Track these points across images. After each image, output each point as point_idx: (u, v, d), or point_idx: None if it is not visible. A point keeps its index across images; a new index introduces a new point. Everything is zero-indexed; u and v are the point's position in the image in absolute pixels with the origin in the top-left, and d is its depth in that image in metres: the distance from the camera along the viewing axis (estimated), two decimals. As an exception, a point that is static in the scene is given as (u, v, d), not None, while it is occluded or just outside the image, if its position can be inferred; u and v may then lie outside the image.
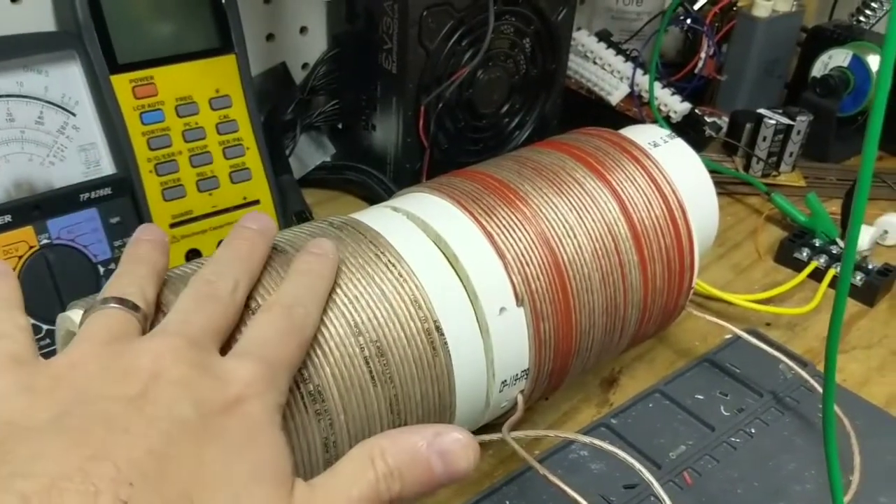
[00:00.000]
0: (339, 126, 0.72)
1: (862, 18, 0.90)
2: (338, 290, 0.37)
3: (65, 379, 0.28)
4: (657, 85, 0.77)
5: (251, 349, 0.32)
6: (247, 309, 0.35)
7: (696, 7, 0.83)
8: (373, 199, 0.68)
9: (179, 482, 0.25)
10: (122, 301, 0.32)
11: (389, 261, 0.39)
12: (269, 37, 0.69)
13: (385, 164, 0.68)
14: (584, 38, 0.80)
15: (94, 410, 0.26)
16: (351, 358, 0.36)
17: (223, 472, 0.26)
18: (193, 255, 0.54)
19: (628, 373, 0.54)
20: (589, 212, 0.45)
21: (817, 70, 0.82)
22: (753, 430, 0.49)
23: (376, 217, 0.43)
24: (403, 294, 0.38)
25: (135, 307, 0.32)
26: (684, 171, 0.51)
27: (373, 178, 0.68)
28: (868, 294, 0.62)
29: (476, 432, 0.43)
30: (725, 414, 0.51)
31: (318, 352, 0.35)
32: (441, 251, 0.41)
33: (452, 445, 0.29)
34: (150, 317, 0.33)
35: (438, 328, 0.39)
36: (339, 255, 0.38)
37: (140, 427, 0.26)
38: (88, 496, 0.23)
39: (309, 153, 0.71)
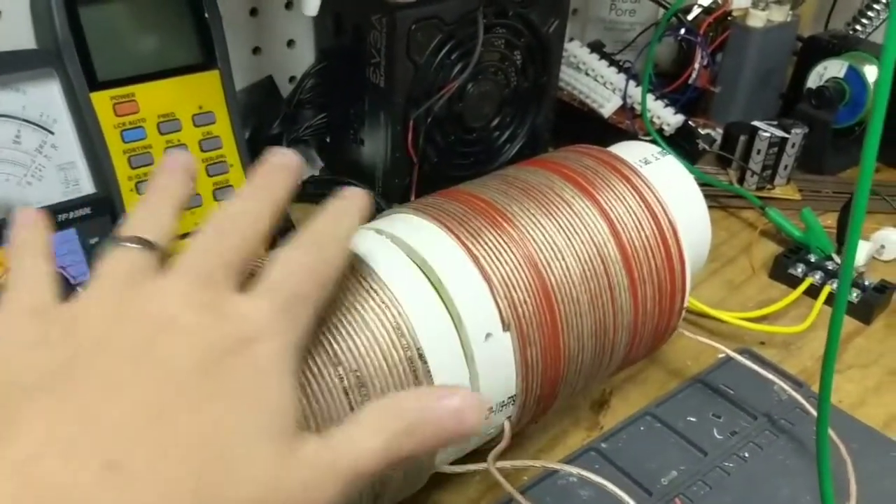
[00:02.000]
0: (327, 140, 0.71)
1: (858, 28, 0.89)
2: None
3: (73, 329, 0.27)
4: (650, 97, 0.76)
5: (270, 286, 0.30)
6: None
7: (690, 17, 0.82)
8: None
9: (174, 442, 0.24)
10: (138, 240, 0.31)
11: (371, 287, 0.38)
12: (256, 50, 0.68)
13: (374, 179, 0.67)
14: (576, 49, 0.79)
15: (96, 364, 0.26)
16: (330, 390, 0.35)
17: (224, 429, 0.26)
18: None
19: (619, 394, 0.53)
20: (577, 233, 0.44)
21: (812, 81, 0.81)
22: (747, 454, 0.48)
23: (359, 240, 0.41)
24: (385, 321, 0.37)
25: (151, 245, 0.31)
26: (676, 189, 0.50)
27: (361, 194, 0.67)
28: (864, 311, 0.61)
29: (462, 460, 0.43)
30: (718, 437, 0.50)
31: (296, 383, 0.34)
32: (426, 276, 0.40)
33: (464, 403, 0.29)
34: (168, 254, 0.32)
35: (422, 356, 0.38)
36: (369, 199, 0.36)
37: (139, 381, 0.25)
38: (72, 461, 0.23)
39: (297, 167, 0.70)
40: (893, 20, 0.33)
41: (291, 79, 0.71)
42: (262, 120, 0.66)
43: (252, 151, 0.56)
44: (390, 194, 0.66)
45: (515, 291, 0.41)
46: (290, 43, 0.70)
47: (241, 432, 0.26)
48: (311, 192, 0.69)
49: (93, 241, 0.50)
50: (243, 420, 0.26)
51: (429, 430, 0.29)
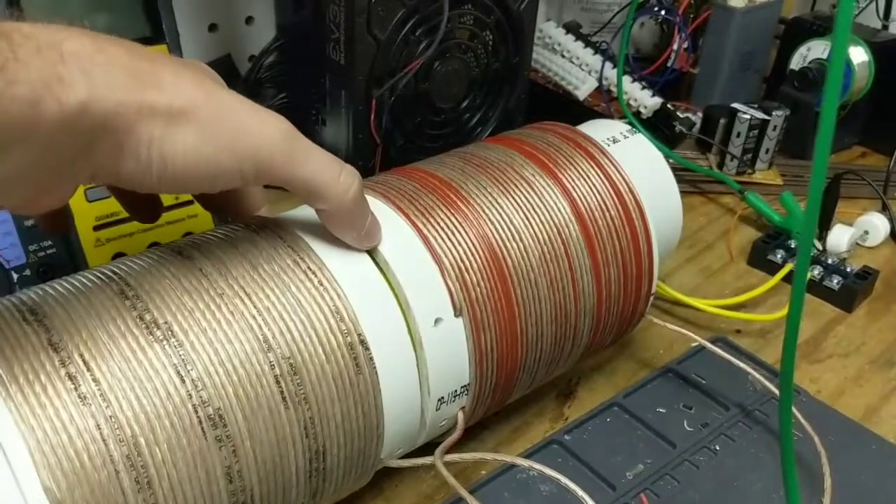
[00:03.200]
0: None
1: (844, 9, 0.86)
2: (245, 301, 0.33)
3: None
4: (627, 79, 0.73)
5: None
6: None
7: (669, -3, 0.79)
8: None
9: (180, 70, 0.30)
10: None
11: (309, 267, 0.35)
12: (212, 27, 0.65)
13: (337, 162, 0.64)
14: (551, 30, 0.77)
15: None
16: (258, 377, 0.32)
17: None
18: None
19: (586, 384, 0.51)
20: (537, 213, 0.42)
21: (795, 62, 0.79)
22: (718, 447, 0.46)
23: (300, 218, 0.39)
24: (323, 304, 0.35)
25: None
26: (644, 168, 0.47)
27: (324, 177, 0.64)
28: (846, 299, 0.59)
29: (414, 453, 0.40)
30: (689, 429, 0.47)
31: (220, 370, 0.32)
32: (370, 256, 0.38)
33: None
34: None
35: (363, 342, 0.35)
36: None
37: None
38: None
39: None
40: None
41: (251, 57, 0.68)
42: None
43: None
44: (354, 178, 0.63)
45: (468, 273, 0.39)
46: (249, 20, 0.67)
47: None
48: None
49: (28, 223, 0.47)
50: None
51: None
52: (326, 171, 0.34)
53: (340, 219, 0.35)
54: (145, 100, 0.28)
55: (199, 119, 0.29)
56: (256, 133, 0.31)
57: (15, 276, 0.47)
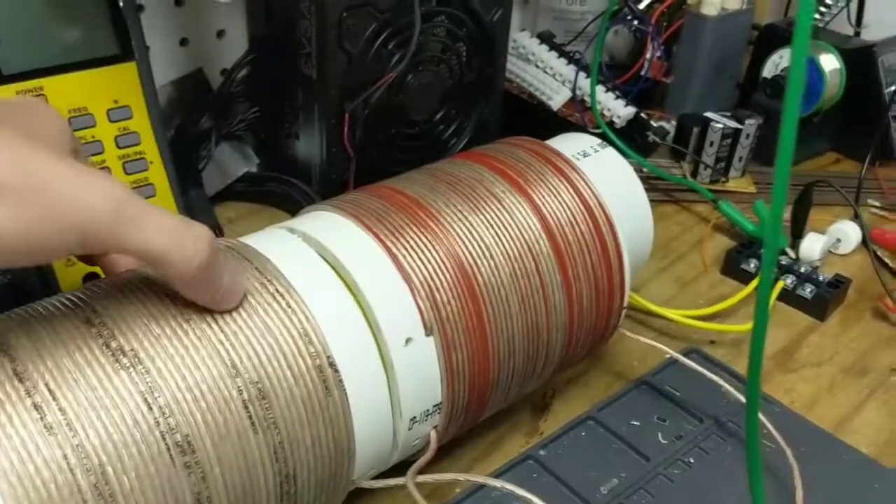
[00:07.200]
0: (263, 135, 0.68)
1: (816, 16, 0.87)
2: (213, 325, 0.33)
3: None
4: (600, 89, 0.73)
5: None
6: None
7: (641, 6, 0.79)
8: (297, 212, 0.64)
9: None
10: None
11: (277, 290, 0.35)
12: (183, 41, 0.65)
13: (310, 176, 0.64)
14: (525, 40, 0.77)
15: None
16: (226, 402, 0.32)
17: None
18: (91, 279, 0.50)
19: (561, 397, 0.51)
20: (507, 230, 0.42)
21: (768, 70, 0.79)
22: (692, 460, 0.46)
23: (268, 240, 0.39)
24: (291, 327, 0.34)
25: None
26: (614, 182, 0.47)
27: (297, 191, 0.64)
28: (818, 307, 0.59)
29: (386, 473, 0.40)
30: (663, 442, 0.47)
31: (188, 397, 0.31)
32: (339, 277, 0.37)
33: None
34: None
35: (332, 364, 0.35)
36: None
37: None
38: None
39: (232, 163, 0.66)
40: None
41: (223, 71, 0.68)
42: (187, 116, 0.63)
43: (181, 146, 0.53)
44: (328, 191, 0.63)
45: (439, 292, 0.39)
46: (221, 33, 0.66)
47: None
48: (246, 190, 0.66)
49: None
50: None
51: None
52: (165, 237, 0.31)
53: (187, 285, 0.33)
54: None
55: (11, 195, 0.28)
56: (78, 204, 0.30)
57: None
